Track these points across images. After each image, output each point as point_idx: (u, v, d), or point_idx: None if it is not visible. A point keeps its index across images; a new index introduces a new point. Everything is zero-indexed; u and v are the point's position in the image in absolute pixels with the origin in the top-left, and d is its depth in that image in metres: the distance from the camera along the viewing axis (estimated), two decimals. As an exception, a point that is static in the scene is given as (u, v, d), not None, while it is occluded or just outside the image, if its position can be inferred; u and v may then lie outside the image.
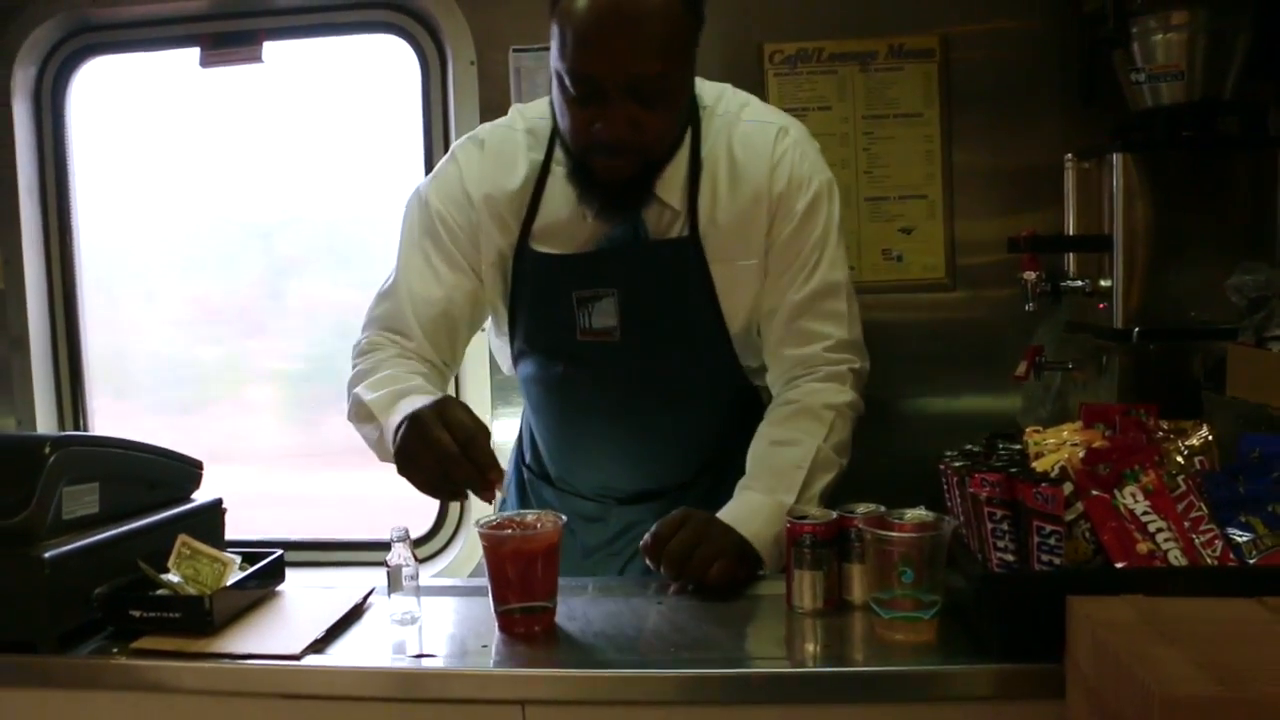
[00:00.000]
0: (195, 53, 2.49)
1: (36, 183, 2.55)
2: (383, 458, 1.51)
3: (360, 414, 1.56)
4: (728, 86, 1.69)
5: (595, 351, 1.63)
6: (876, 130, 2.26)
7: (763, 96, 2.22)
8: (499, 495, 1.35)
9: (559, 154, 1.60)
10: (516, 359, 1.75)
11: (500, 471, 1.34)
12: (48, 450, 1.29)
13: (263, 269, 2.76)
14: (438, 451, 1.32)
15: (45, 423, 2.49)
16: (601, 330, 1.61)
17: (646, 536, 1.44)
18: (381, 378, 1.57)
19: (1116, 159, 1.85)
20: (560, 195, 1.61)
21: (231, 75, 2.53)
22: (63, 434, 1.33)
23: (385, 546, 1.34)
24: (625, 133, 1.46)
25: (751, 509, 1.50)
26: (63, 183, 2.58)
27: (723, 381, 1.69)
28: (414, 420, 1.35)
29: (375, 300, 1.69)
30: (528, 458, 1.87)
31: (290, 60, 2.52)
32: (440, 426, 1.33)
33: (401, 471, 1.39)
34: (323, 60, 2.56)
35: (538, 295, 1.64)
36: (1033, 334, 2.15)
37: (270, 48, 2.48)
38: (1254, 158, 1.86)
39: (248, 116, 2.62)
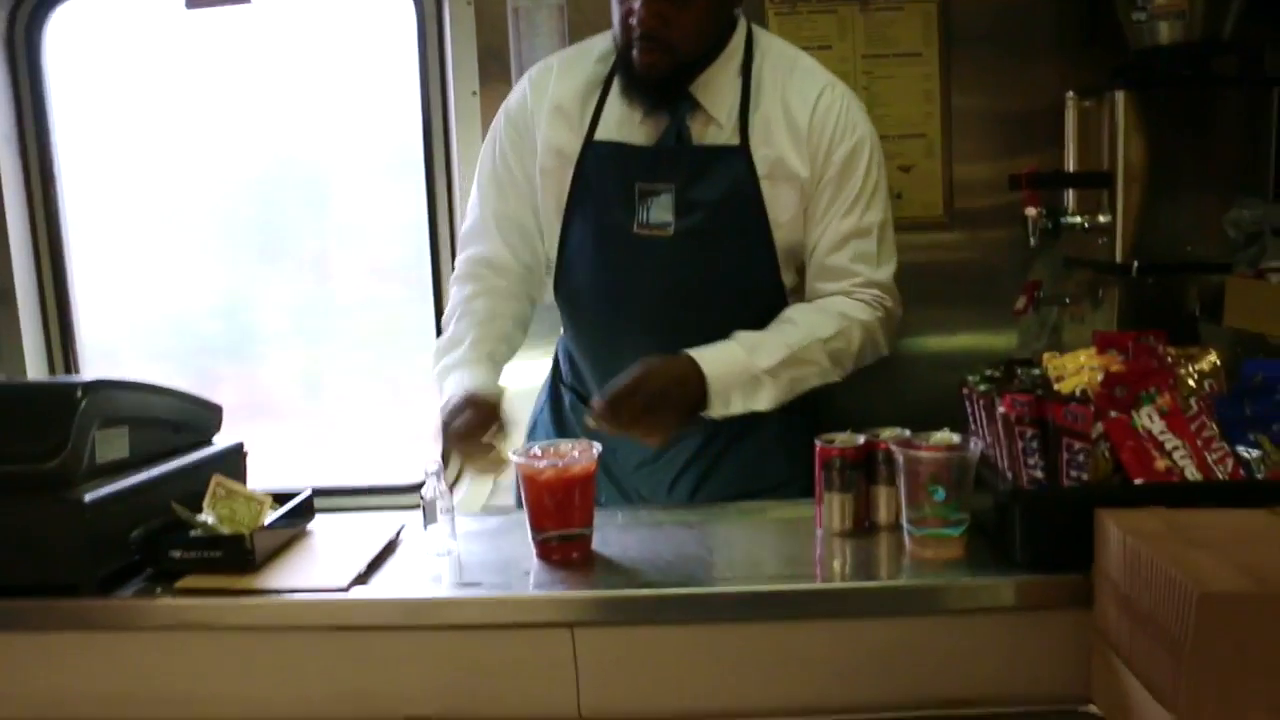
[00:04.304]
0: (179, -3, 2.43)
1: (14, 132, 2.46)
2: None
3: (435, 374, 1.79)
4: (783, 40, 1.85)
5: (649, 248, 1.70)
6: (876, 69, 2.26)
7: (763, 35, 2.26)
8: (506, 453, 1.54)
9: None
10: (562, 274, 1.81)
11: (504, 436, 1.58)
12: (80, 394, 1.28)
13: (252, 217, 2.71)
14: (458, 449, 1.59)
15: (35, 376, 2.46)
16: (658, 225, 1.69)
17: (597, 397, 1.57)
18: (446, 340, 1.79)
19: (1117, 96, 1.89)
20: (621, 102, 1.73)
21: (218, 18, 2.47)
22: (93, 378, 1.31)
23: (395, 490, 1.37)
24: (655, 24, 1.61)
25: (725, 354, 1.63)
26: (43, 132, 2.50)
27: (766, 291, 1.75)
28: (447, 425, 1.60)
29: (466, 215, 1.88)
30: (567, 379, 1.92)
31: (279, 3, 2.46)
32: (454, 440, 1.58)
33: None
34: (316, 6, 2.51)
35: (600, 187, 1.73)
36: (1028, 271, 2.19)
37: (258, -10, 2.42)
38: (1250, 96, 1.90)
39: (235, 61, 2.56)
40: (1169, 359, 1.43)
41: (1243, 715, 0.97)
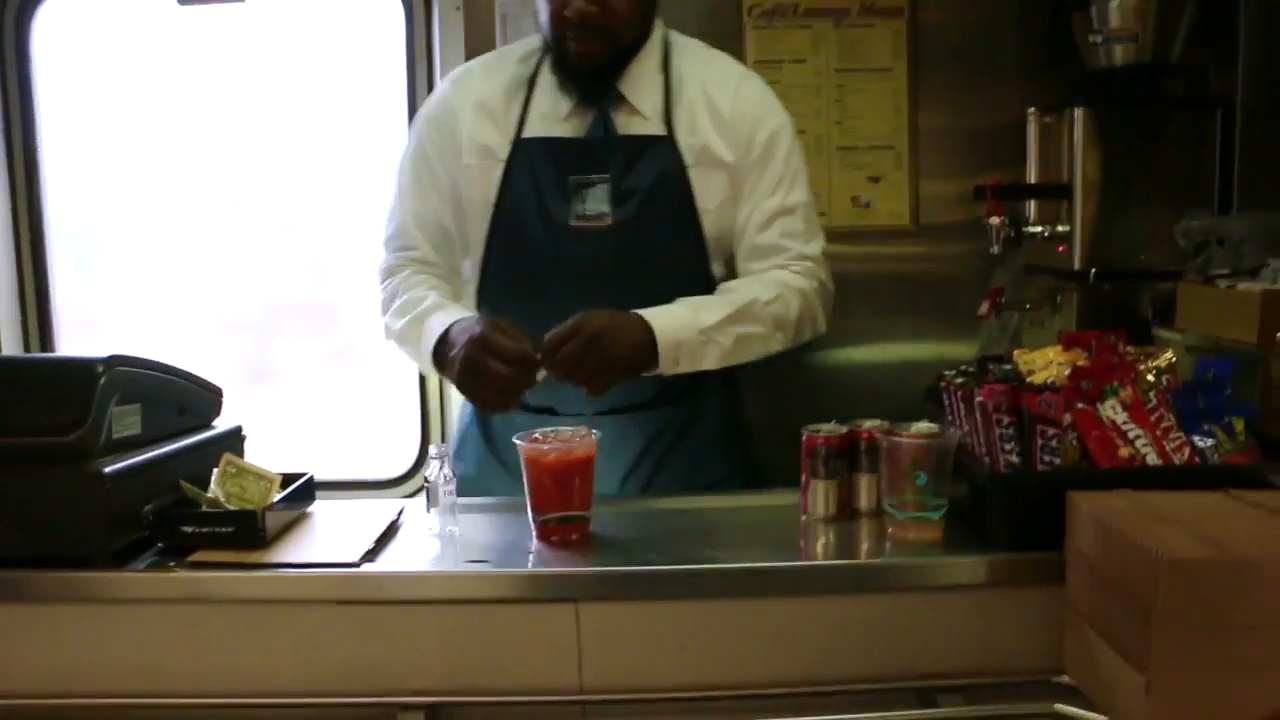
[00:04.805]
0: (169, -9, 2.45)
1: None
2: (425, 370, 1.82)
3: (394, 337, 1.80)
4: (696, 40, 1.90)
5: (587, 238, 1.73)
6: (848, 83, 2.37)
7: (741, 48, 2.34)
8: (543, 374, 1.57)
9: (545, 63, 1.79)
10: (492, 272, 1.82)
11: (538, 362, 1.57)
12: (100, 370, 1.32)
13: (236, 215, 2.73)
14: (496, 381, 1.56)
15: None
16: (594, 215, 1.73)
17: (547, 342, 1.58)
18: (401, 304, 1.78)
19: (1076, 113, 2.01)
20: (548, 97, 1.78)
21: (209, 15, 2.49)
22: (111, 354, 1.35)
23: (381, 485, 1.42)
24: (592, 11, 1.67)
25: (669, 311, 1.67)
26: (29, 124, 2.51)
27: (696, 280, 1.79)
28: (466, 360, 1.57)
29: (387, 217, 1.88)
30: None
31: (269, 2, 2.49)
32: (489, 356, 1.55)
33: (467, 396, 1.67)
34: (305, 6, 2.55)
35: (533, 182, 1.76)
36: (991, 279, 2.31)
37: (249, -11, 2.45)
38: (1197, 115, 2.04)
39: (223, 59, 2.59)
40: (1129, 356, 1.53)
41: (1206, 673, 1.06)
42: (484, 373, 1.56)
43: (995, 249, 2.10)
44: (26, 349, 2.53)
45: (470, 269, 1.87)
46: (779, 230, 1.79)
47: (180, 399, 1.53)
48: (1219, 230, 1.85)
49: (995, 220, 2.09)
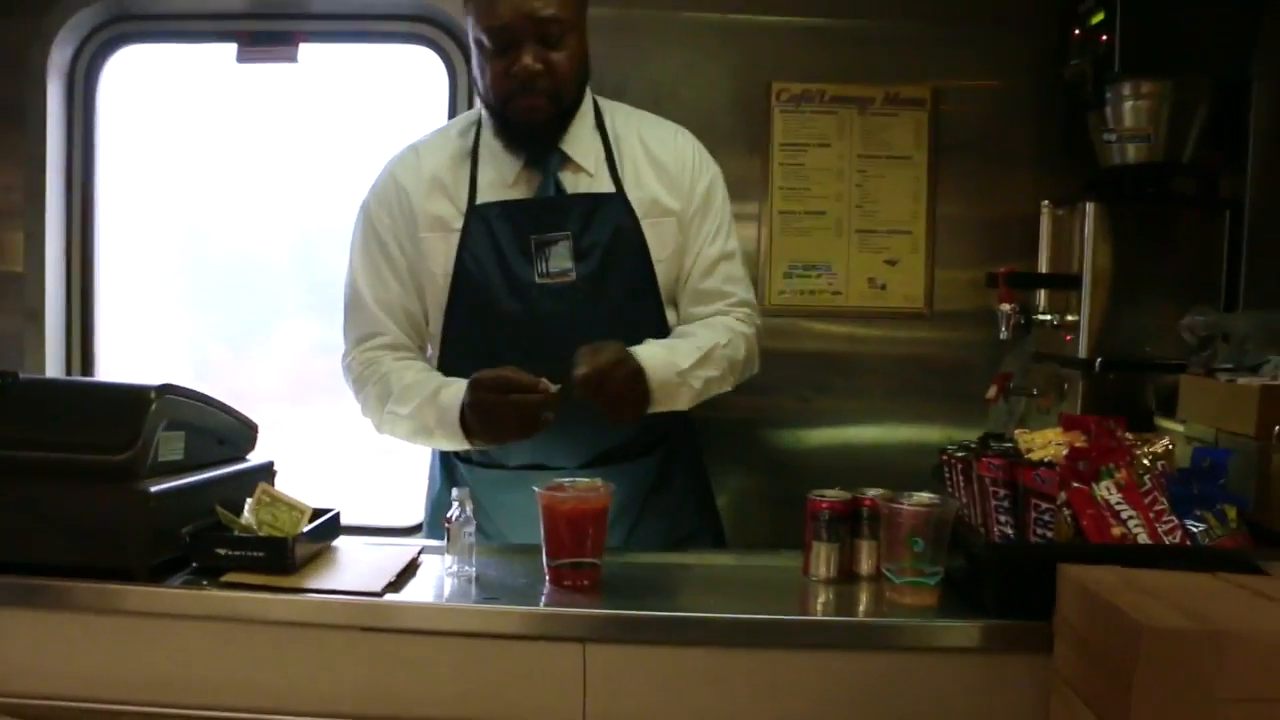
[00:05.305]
0: (230, 48, 2.61)
1: (63, 163, 2.62)
2: (444, 445, 1.85)
3: (401, 430, 1.82)
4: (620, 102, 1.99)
5: (553, 294, 1.80)
6: (869, 169, 2.48)
7: (768, 131, 2.47)
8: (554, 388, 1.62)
9: (486, 131, 1.86)
10: (454, 338, 1.86)
11: (546, 382, 1.62)
12: (152, 395, 1.41)
13: (279, 263, 2.85)
14: (514, 414, 1.63)
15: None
16: (559, 272, 1.80)
17: (586, 368, 1.63)
18: (404, 389, 1.79)
19: (1088, 208, 2.10)
20: (493, 165, 1.85)
21: (262, 72, 2.65)
22: (163, 382, 1.44)
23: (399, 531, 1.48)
24: (537, 70, 1.74)
25: (650, 353, 1.74)
26: (89, 165, 2.66)
27: (653, 329, 1.84)
28: (475, 405, 1.66)
29: (346, 312, 1.90)
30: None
31: (322, 61, 2.64)
32: (496, 394, 1.63)
33: (493, 441, 1.74)
34: (353, 63, 2.69)
35: (491, 246, 1.81)
36: (1000, 364, 2.38)
37: (305, 49, 2.61)
38: (1205, 215, 2.13)
39: (274, 112, 2.74)
40: (1127, 440, 1.60)
41: (1182, 740, 1.11)
42: (501, 411, 1.63)
43: (1005, 335, 2.18)
44: (69, 372, 2.64)
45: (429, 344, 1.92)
46: (721, 276, 1.89)
47: (220, 430, 1.62)
48: (1223, 326, 1.92)
49: (1006, 307, 2.17)
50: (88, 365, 2.67)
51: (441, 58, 2.58)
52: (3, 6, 2.52)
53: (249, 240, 2.83)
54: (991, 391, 2.33)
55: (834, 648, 1.37)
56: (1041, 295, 2.25)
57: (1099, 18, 2.10)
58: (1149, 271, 2.11)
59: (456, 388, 1.72)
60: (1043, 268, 2.25)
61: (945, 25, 2.45)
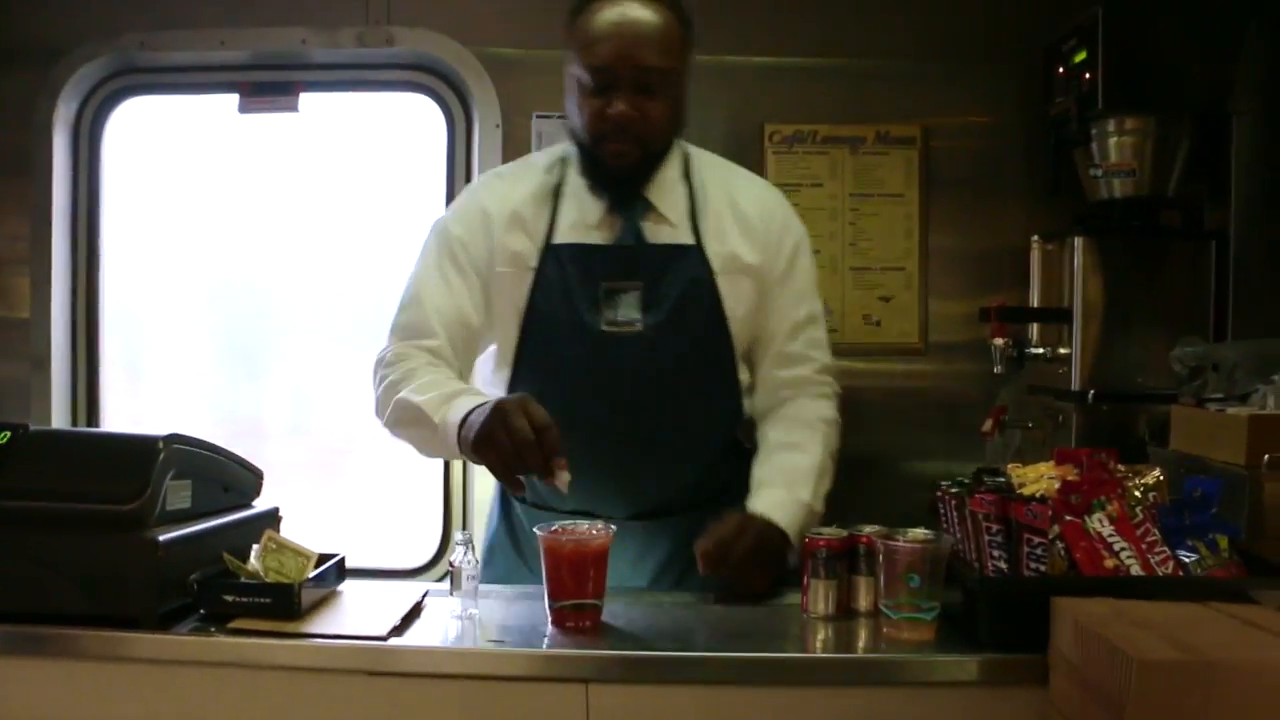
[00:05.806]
0: (233, 99, 2.67)
1: (69, 211, 2.68)
2: (434, 454, 1.77)
3: (405, 418, 1.73)
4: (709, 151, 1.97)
5: (619, 343, 1.77)
6: (862, 207, 2.53)
7: (762, 171, 2.52)
8: (566, 477, 1.52)
9: (572, 169, 1.83)
10: (521, 377, 1.82)
11: (564, 462, 1.52)
12: (160, 445, 1.44)
13: (276, 309, 2.89)
14: (517, 437, 1.50)
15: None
16: (625, 321, 1.77)
17: (708, 542, 1.63)
18: (425, 382, 1.73)
19: (1076, 242, 2.15)
20: (575, 206, 1.82)
21: (264, 121, 2.70)
22: (170, 432, 1.47)
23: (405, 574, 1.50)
24: (632, 114, 1.72)
25: (778, 503, 1.73)
26: (94, 214, 2.72)
27: (725, 384, 1.84)
28: (498, 409, 1.54)
29: (398, 311, 1.85)
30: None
31: (322, 109, 2.70)
32: (521, 415, 1.51)
33: (477, 451, 1.58)
34: (353, 111, 2.75)
35: (564, 288, 1.79)
36: (995, 398, 2.41)
37: (305, 98, 2.66)
38: (1192, 247, 2.17)
39: (275, 161, 2.79)
40: (1119, 473, 1.62)
41: (1175, 772, 1.12)
42: (510, 427, 1.50)
43: (999, 369, 2.22)
44: (74, 423, 2.67)
45: (498, 379, 1.87)
46: (805, 340, 1.86)
47: (226, 478, 1.64)
48: (1213, 357, 1.96)
49: (999, 341, 2.21)
50: (93, 409, 2.72)
51: (440, 106, 2.64)
52: (11, 60, 2.59)
53: (255, 283, 2.87)
54: (987, 425, 2.36)
55: (834, 684, 1.39)
56: (1034, 329, 2.29)
57: (1082, 56, 2.16)
58: (1138, 303, 2.15)
59: (479, 398, 1.66)
60: (1034, 301, 2.29)
61: (934, 63, 2.51)
